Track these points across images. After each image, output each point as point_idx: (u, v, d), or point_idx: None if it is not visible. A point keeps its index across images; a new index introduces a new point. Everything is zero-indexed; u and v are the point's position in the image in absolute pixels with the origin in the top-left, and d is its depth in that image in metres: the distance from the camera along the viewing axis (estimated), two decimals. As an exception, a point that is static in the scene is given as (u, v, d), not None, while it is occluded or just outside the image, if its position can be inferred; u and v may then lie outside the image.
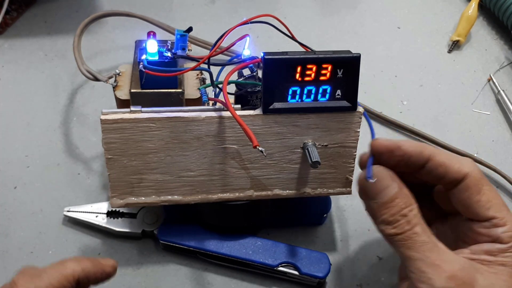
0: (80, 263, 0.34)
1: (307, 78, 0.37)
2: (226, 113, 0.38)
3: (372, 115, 0.58)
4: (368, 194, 0.35)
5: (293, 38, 0.41)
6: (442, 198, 0.39)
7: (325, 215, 0.47)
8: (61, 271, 0.33)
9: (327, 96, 0.38)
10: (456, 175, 0.34)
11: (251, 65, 0.40)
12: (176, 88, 0.42)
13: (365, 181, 0.35)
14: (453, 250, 0.35)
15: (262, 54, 0.36)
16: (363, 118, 0.39)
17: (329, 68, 0.37)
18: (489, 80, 0.63)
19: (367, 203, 0.36)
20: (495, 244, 0.33)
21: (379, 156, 0.36)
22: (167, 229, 0.45)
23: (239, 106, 0.39)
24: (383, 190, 0.34)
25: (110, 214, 0.46)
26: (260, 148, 0.34)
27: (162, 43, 0.42)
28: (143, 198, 0.40)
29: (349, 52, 0.37)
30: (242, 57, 0.40)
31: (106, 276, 0.35)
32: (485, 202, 0.34)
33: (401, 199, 0.34)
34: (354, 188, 0.42)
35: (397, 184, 0.35)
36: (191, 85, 0.44)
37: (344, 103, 0.38)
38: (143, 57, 0.40)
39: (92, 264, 0.34)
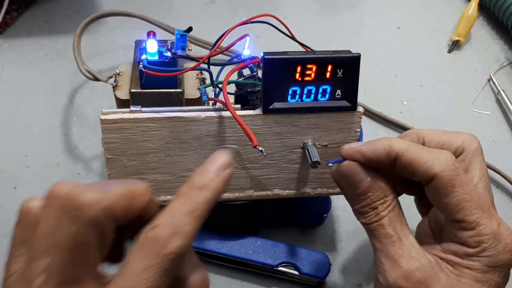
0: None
1: (307, 78, 0.37)
2: (226, 113, 0.38)
3: (372, 115, 0.58)
4: (341, 186, 0.36)
5: (293, 38, 0.41)
6: None
7: (325, 215, 0.47)
8: (194, 215, 0.27)
9: (327, 96, 0.38)
10: (422, 176, 0.33)
11: (251, 65, 0.40)
12: (176, 88, 0.42)
13: (336, 174, 0.36)
14: (441, 236, 0.35)
15: (262, 54, 0.36)
16: (364, 118, 0.39)
17: (329, 68, 0.37)
18: (489, 80, 0.63)
19: (342, 193, 0.37)
20: (462, 246, 0.33)
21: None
22: (167, 229, 0.45)
23: (239, 106, 0.39)
24: (356, 183, 0.34)
25: (110, 214, 0.46)
26: (260, 148, 0.34)
27: (162, 43, 0.42)
28: (143, 198, 0.40)
29: (349, 52, 0.37)
30: (242, 57, 0.40)
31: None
32: (453, 205, 0.32)
33: (372, 193, 0.34)
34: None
35: (371, 178, 0.34)
36: (191, 85, 0.44)
37: (344, 103, 0.38)
38: (143, 57, 0.40)
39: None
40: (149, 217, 0.27)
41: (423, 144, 0.37)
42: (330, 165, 0.36)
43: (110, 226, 0.26)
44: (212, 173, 0.28)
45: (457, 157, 0.36)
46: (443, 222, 0.35)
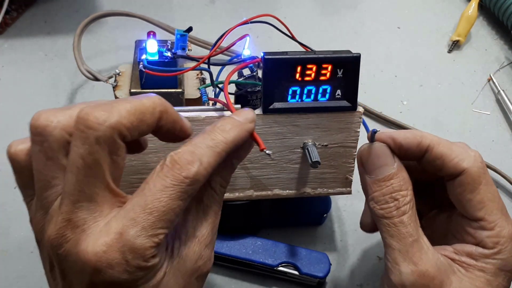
0: (229, 134, 0.30)
1: (307, 78, 0.37)
2: (227, 113, 0.38)
3: (372, 115, 0.58)
4: (365, 167, 0.35)
5: (293, 38, 0.41)
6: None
7: (325, 215, 0.47)
8: (214, 150, 0.29)
9: (327, 96, 0.38)
10: (452, 169, 0.33)
11: (251, 65, 0.40)
12: (176, 88, 0.42)
13: (365, 152, 0.35)
14: (443, 242, 0.35)
15: (262, 54, 0.36)
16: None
17: (329, 68, 0.37)
18: (489, 80, 0.63)
19: (362, 177, 0.36)
20: (478, 247, 0.33)
21: None
22: (167, 229, 0.45)
23: (239, 106, 0.39)
24: (381, 167, 0.34)
25: (110, 214, 0.46)
26: (267, 151, 0.34)
27: (162, 43, 0.42)
28: (143, 198, 0.40)
29: (349, 52, 0.37)
30: (242, 57, 0.40)
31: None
32: (477, 202, 0.33)
33: (396, 181, 0.33)
34: (354, 188, 0.42)
35: (397, 164, 0.34)
36: (191, 85, 0.44)
37: (344, 103, 0.38)
38: (143, 57, 0.40)
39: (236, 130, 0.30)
40: (170, 127, 0.29)
41: None
42: (376, 131, 0.35)
43: (120, 143, 0.27)
44: (236, 121, 0.30)
45: None
46: (453, 224, 0.35)
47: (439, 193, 0.38)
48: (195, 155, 0.28)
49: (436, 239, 0.36)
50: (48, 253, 0.28)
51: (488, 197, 0.33)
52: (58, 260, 0.27)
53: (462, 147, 0.34)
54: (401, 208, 0.33)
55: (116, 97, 0.43)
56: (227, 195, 0.41)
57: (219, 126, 0.30)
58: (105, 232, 0.26)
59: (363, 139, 0.41)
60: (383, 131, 0.35)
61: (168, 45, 0.41)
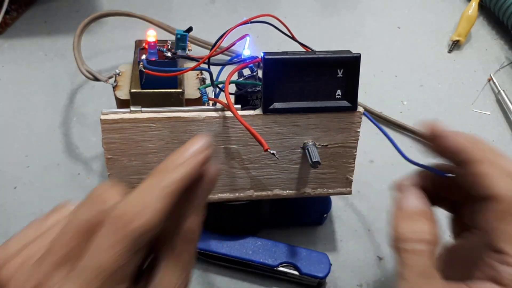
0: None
1: (307, 78, 0.37)
2: (227, 113, 0.38)
3: (372, 115, 0.58)
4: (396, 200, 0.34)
5: (293, 38, 0.41)
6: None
7: (325, 215, 0.47)
8: (163, 192, 0.27)
9: (327, 96, 0.38)
10: (483, 192, 0.31)
11: (251, 65, 0.40)
12: (176, 88, 0.42)
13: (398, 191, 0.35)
14: (465, 272, 0.32)
15: (262, 54, 0.36)
16: (364, 118, 0.39)
17: (329, 68, 0.37)
18: (489, 80, 0.63)
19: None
20: (493, 284, 0.30)
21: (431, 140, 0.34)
22: (167, 229, 0.45)
23: (239, 106, 0.39)
24: (407, 198, 0.34)
25: (110, 214, 0.46)
26: (271, 151, 0.34)
27: (162, 43, 0.42)
28: (143, 198, 0.40)
29: (349, 52, 0.37)
30: (242, 57, 0.40)
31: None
32: (503, 233, 0.30)
33: (421, 217, 0.32)
34: (354, 188, 0.42)
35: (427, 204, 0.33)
36: (191, 85, 0.44)
37: (344, 103, 0.38)
38: (143, 57, 0.40)
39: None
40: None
41: None
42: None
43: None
44: (188, 154, 0.28)
45: None
46: (480, 252, 0.32)
47: (468, 216, 0.36)
48: (141, 204, 0.26)
49: (466, 265, 0.34)
50: None
51: None
52: None
53: (504, 166, 0.31)
54: (418, 250, 0.32)
55: (116, 97, 0.43)
56: (227, 195, 0.41)
57: (170, 163, 0.28)
58: None
59: (363, 139, 0.41)
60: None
61: (168, 45, 0.41)
